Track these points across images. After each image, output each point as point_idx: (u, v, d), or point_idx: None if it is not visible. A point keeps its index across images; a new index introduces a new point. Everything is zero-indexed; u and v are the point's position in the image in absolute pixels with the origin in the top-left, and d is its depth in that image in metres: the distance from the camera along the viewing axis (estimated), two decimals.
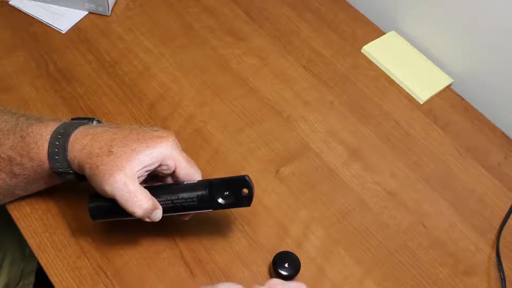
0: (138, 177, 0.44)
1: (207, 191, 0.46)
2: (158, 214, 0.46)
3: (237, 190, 0.46)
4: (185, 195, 0.46)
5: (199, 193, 0.46)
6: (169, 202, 0.46)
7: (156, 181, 0.49)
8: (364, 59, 0.75)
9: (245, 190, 0.46)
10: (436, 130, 0.69)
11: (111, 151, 0.43)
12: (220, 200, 0.46)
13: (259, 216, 0.57)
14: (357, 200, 0.60)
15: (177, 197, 0.46)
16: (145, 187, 0.45)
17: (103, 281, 0.50)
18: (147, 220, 0.46)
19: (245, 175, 0.46)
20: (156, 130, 0.46)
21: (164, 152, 0.45)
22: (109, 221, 0.51)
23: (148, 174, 0.46)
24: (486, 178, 0.65)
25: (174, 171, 0.47)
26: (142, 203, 0.43)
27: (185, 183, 0.47)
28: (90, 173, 0.44)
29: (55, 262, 0.51)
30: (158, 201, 0.46)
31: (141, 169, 0.44)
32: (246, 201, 0.46)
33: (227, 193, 0.46)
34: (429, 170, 0.65)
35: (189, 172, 0.47)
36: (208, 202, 0.46)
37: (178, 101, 0.66)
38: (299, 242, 0.56)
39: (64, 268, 0.50)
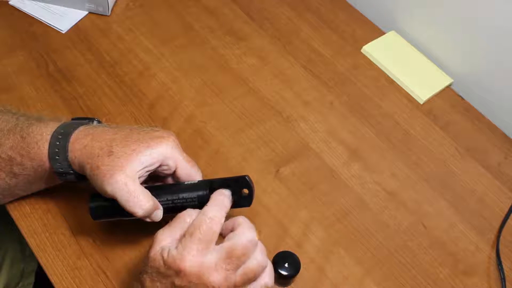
0: (139, 177, 0.44)
1: (208, 191, 0.46)
2: (158, 214, 0.46)
3: (237, 190, 0.46)
4: (185, 195, 0.46)
5: (200, 193, 0.46)
6: (170, 202, 0.46)
7: (156, 181, 0.49)
8: (364, 59, 0.75)
9: (245, 190, 0.46)
10: (436, 130, 0.69)
11: (112, 151, 0.43)
12: None
13: (259, 216, 0.57)
14: (357, 200, 0.60)
15: (177, 197, 0.46)
16: (145, 187, 0.45)
17: (103, 281, 0.50)
18: (148, 220, 0.46)
19: (245, 175, 0.46)
20: (157, 130, 0.46)
21: (165, 153, 0.45)
22: (109, 221, 0.50)
23: (149, 175, 0.46)
24: (486, 178, 0.65)
25: (174, 171, 0.47)
26: (142, 203, 0.43)
27: (185, 183, 0.47)
28: (90, 173, 0.44)
29: (55, 262, 0.51)
30: (159, 201, 0.46)
31: (141, 169, 0.44)
32: (247, 201, 0.46)
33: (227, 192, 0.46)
34: (429, 170, 0.65)
35: (190, 173, 0.47)
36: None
37: (178, 101, 0.66)
38: (299, 242, 0.56)
39: (64, 268, 0.50)
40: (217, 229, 0.42)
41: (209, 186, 0.46)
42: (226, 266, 0.40)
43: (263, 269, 0.43)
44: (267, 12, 0.79)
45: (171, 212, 0.47)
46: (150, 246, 0.42)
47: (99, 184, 0.43)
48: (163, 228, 0.43)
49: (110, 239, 0.53)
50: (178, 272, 0.39)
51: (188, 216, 0.43)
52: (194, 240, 0.40)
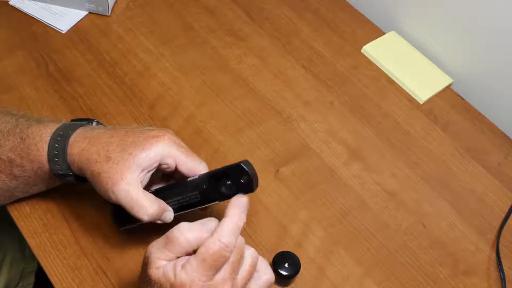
0: (141, 181, 0.44)
1: (207, 184, 0.46)
2: (169, 216, 0.46)
3: (236, 178, 0.45)
4: (188, 193, 0.46)
5: (200, 188, 0.46)
6: (176, 202, 0.47)
7: (167, 179, 0.50)
8: (364, 59, 0.75)
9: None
10: (436, 130, 0.69)
11: (109, 157, 0.43)
12: (223, 190, 0.45)
13: (259, 216, 0.57)
14: (357, 200, 0.60)
15: (181, 196, 0.46)
16: (155, 190, 0.45)
17: (103, 281, 0.50)
18: (159, 222, 0.46)
19: (240, 162, 0.44)
20: (152, 130, 0.46)
21: (161, 152, 0.45)
22: (134, 227, 0.50)
23: (157, 173, 0.46)
24: (486, 178, 0.65)
25: (176, 168, 0.47)
26: (147, 209, 0.43)
27: (188, 180, 0.47)
28: (92, 180, 0.44)
29: (55, 262, 0.51)
30: (168, 203, 0.46)
31: (141, 172, 0.44)
32: (249, 186, 0.45)
33: (229, 182, 0.45)
34: (429, 170, 0.65)
35: (191, 166, 0.46)
36: (211, 195, 0.46)
37: (178, 101, 0.66)
38: (299, 242, 0.56)
39: (64, 268, 0.50)
40: (229, 254, 0.40)
41: (207, 180, 0.46)
42: (231, 275, 0.39)
43: (254, 257, 0.42)
44: (267, 12, 0.79)
45: (180, 211, 0.47)
46: (145, 264, 0.40)
47: (103, 191, 0.44)
48: (157, 247, 0.40)
49: (110, 239, 0.53)
50: None
51: (184, 239, 0.40)
52: (205, 266, 0.38)
